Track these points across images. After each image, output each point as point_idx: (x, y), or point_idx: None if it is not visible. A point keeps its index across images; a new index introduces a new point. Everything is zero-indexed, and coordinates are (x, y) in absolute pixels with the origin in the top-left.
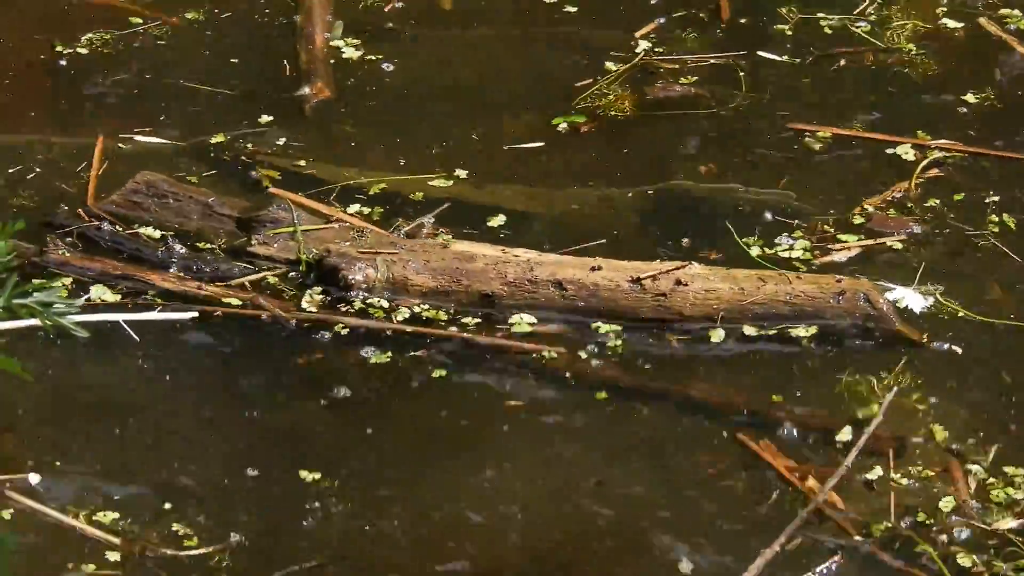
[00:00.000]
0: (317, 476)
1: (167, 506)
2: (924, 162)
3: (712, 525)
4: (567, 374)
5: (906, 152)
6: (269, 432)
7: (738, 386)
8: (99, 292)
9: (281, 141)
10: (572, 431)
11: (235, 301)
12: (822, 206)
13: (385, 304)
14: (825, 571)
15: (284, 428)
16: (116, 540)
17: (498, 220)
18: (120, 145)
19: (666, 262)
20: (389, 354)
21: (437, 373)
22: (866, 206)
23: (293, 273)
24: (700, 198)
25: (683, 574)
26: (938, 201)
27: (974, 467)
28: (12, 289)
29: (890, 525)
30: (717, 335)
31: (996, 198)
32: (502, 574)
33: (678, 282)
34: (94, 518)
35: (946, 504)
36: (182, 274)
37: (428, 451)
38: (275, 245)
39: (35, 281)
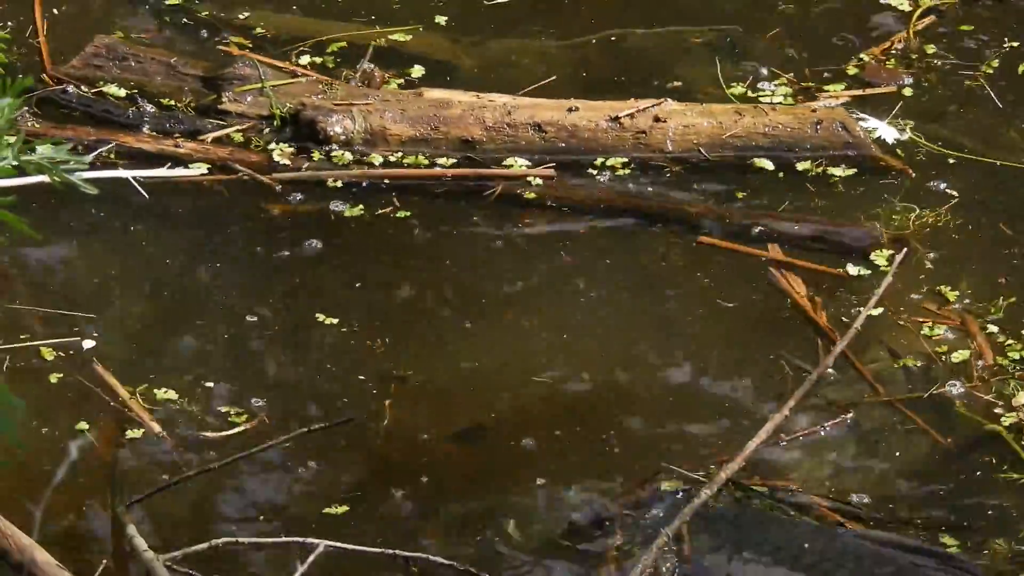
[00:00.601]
0: (334, 321)
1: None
2: (919, 11)
3: (725, 356)
4: (562, 206)
5: (901, 3)
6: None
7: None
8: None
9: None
10: (575, 262)
11: (220, 154)
12: (817, 59)
13: (378, 157)
14: (841, 424)
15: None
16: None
17: (418, 71)
18: (55, 11)
19: (641, 100)
20: (360, 207)
21: (426, 219)
22: (863, 56)
23: (267, 129)
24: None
25: (702, 413)
26: (934, 49)
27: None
28: (21, 145)
29: (908, 381)
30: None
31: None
32: (535, 418)
33: (656, 119)
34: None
35: (960, 357)
36: (155, 133)
37: (447, 296)
38: (246, 102)
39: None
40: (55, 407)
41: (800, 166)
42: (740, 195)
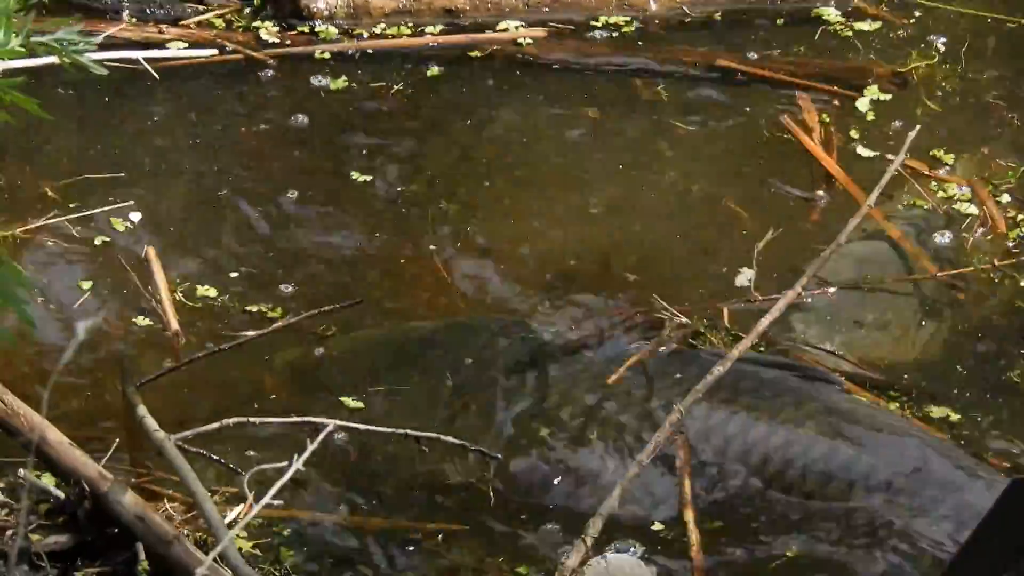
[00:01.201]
0: (368, 178)
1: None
2: None
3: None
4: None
5: None
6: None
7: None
8: None
9: None
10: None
11: (205, 37)
12: None
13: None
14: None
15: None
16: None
17: None
18: None
19: None
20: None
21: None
22: None
23: (247, 9)
24: None
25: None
26: None
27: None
28: (30, 26)
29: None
30: None
31: None
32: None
33: None
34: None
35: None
36: (136, 22)
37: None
38: None
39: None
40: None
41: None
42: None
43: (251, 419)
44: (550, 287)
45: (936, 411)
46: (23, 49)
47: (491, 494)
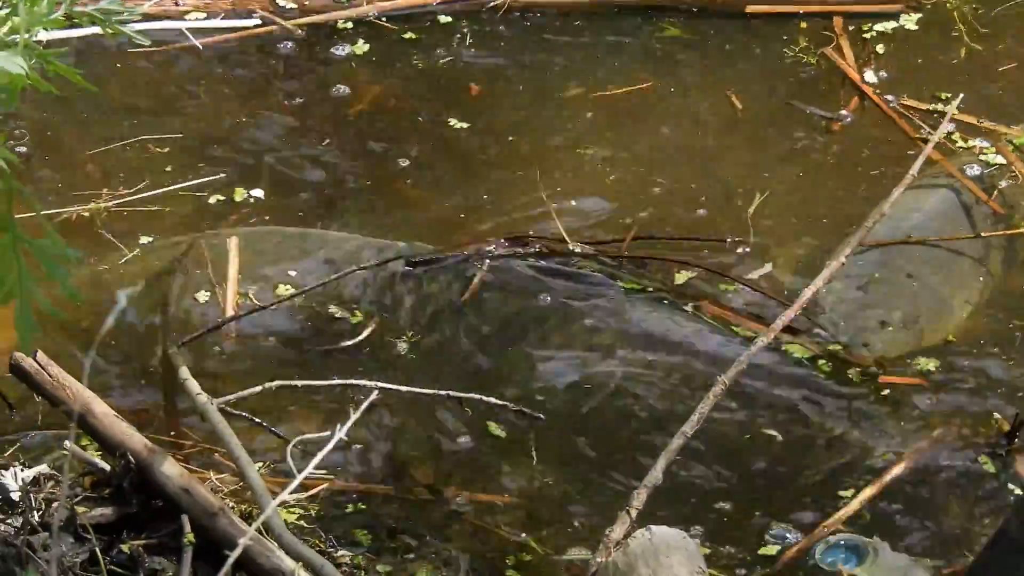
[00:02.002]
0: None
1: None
2: None
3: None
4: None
5: None
6: None
7: None
8: None
9: None
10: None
11: (223, 6)
12: None
13: None
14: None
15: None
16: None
17: None
18: None
19: None
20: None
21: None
22: None
23: None
24: None
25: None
26: None
27: None
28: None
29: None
30: None
31: None
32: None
33: None
34: None
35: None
36: None
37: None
38: None
39: None
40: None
41: None
42: None
43: (294, 382)
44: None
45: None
46: (65, 20)
47: (533, 455)
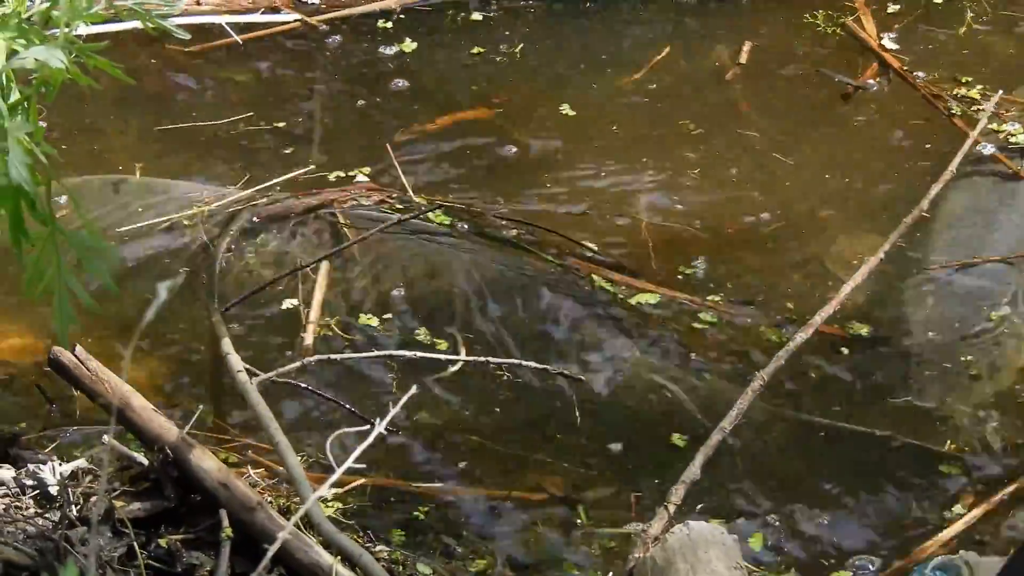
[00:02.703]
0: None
1: None
2: None
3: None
4: None
5: None
6: None
7: None
8: None
9: None
10: None
11: (244, 4)
12: None
13: None
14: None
15: None
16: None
17: None
18: None
19: None
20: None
21: None
22: None
23: None
24: None
25: None
26: None
27: None
28: None
29: None
30: None
31: None
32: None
33: None
34: None
35: None
36: None
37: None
38: None
39: None
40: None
41: None
42: None
43: (332, 355)
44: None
45: None
46: (105, 13)
47: (576, 416)
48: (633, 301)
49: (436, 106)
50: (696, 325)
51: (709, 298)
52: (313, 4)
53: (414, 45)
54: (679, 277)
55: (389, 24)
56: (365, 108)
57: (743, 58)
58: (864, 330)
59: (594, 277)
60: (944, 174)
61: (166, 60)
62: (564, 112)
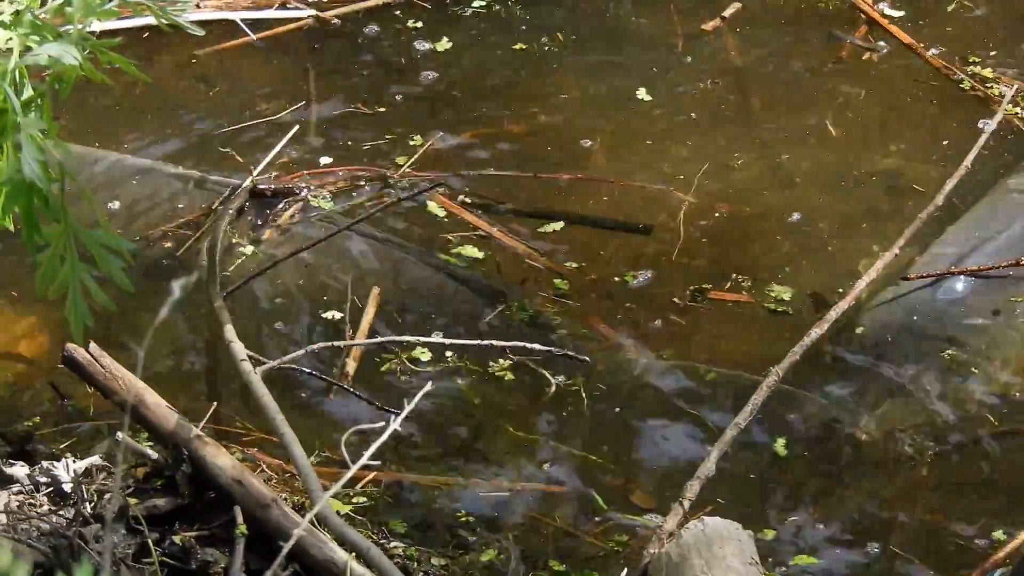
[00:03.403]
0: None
1: None
2: None
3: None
4: None
5: None
6: None
7: None
8: None
9: None
10: None
11: (243, 4)
12: None
13: None
14: None
15: None
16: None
17: None
18: None
19: None
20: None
21: None
22: None
23: None
24: None
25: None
26: None
27: None
28: None
29: None
30: None
31: None
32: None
33: None
34: None
35: None
36: None
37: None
38: None
39: None
40: None
41: None
42: None
43: (336, 343)
44: None
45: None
46: (118, 9)
47: (584, 398)
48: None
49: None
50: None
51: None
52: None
53: (448, 44)
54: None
55: (419, 23)
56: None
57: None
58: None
59: None
60: (959, 169)
61: (176, 60)
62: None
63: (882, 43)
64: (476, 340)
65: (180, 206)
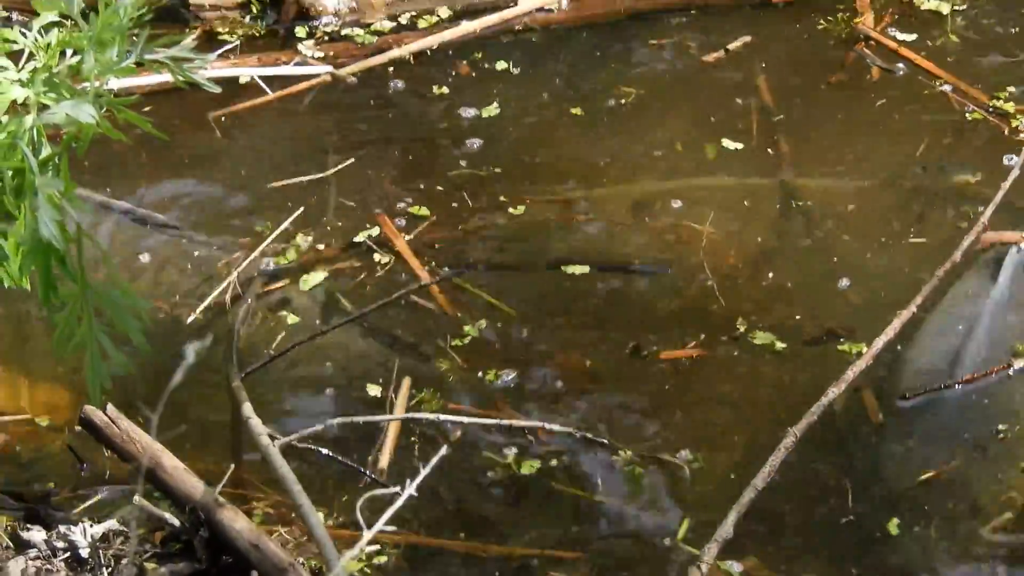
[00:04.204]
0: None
1: None
2: None
3: None
4: None
5: None
6: None
7: None
8: None
9: None
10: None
11: (248, 63)
12: None
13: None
14: None
15: None
16: None
17: None
18: None
19: None
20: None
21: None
22: None
23: (247, 17)
24: None
25: None
26: None
27: None
28: (144, 44)
29: None
30: None
31: None
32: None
33: None
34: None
35: None
36: None
37: None
38: None
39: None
40: None
41: None
42: None
43: (355, 417)
44: None
45: None
46: (136, 67)
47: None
48: None
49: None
50: None
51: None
52: (321, 56)
53: (497, 110)
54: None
55: (444, 90)
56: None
57: (732, 46)
58: None
59: None
60: (975, 226)
61: (193, 117)
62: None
63: (901, 64)
64: (495, 419)
65: (200, 267)
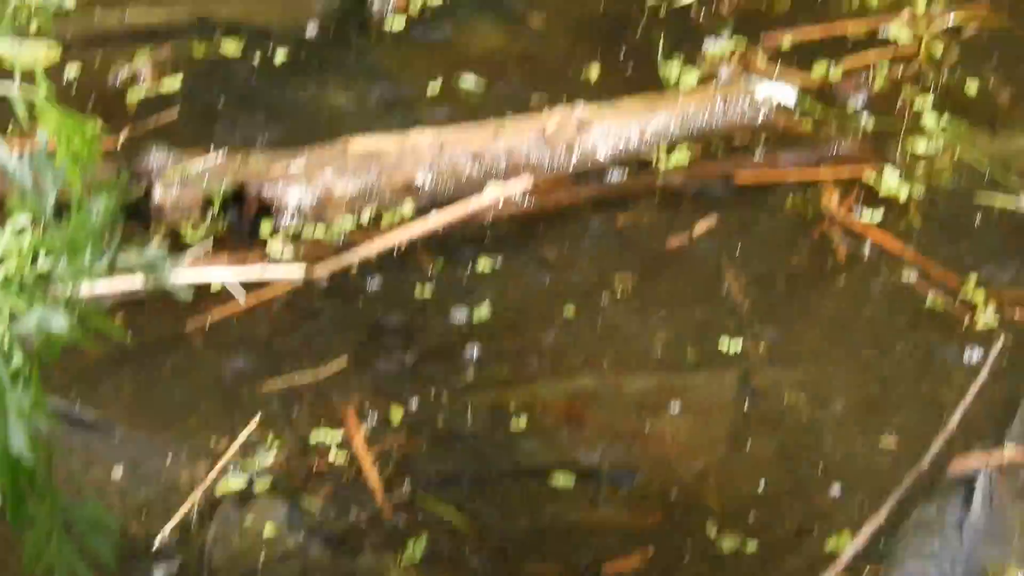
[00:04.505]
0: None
1: None
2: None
3: None
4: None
5: None
6: None
7: None
8: None
9: None
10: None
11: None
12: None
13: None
14: None
15: None
16: None
17: None
18: None
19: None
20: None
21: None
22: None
23: (209, 217)
24: None
25: None
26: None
27: None
28: (115, 250)
29: None
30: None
31: None
32: None
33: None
34: None
35: None
36: None
37: None
38: (174, 193)
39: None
40: None
41: None
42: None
43: None
44: None
45: None
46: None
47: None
48: None
49: None
50: None
51: None
52: (290, 259)
53: (488, 311)
54: None
55: (426, 288)
56: None
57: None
58: None
59: None
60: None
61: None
62: None
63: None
64: None
65: (173, 481)
